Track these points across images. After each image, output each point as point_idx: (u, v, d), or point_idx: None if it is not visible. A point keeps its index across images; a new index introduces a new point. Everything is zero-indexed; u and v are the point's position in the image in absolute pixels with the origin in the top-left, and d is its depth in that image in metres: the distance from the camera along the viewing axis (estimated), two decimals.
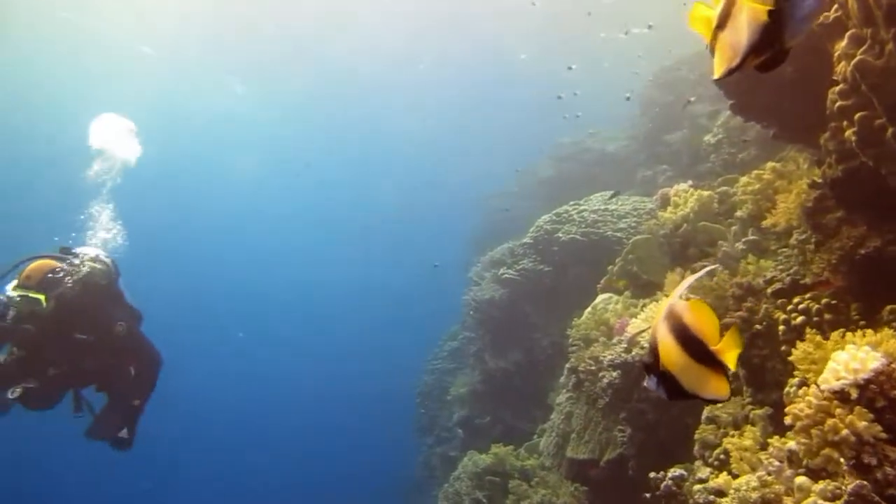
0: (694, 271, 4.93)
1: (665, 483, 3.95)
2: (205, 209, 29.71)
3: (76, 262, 4.61)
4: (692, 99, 8.70)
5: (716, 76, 1.42)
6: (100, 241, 5.77)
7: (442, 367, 12.45)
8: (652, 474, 4.05)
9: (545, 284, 8.36)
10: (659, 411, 4.61)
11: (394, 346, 23.25)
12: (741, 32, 1.31)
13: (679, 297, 1.78)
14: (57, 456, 19.35)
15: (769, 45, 1.29)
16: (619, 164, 11.24)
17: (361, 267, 29.94)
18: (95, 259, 4.68)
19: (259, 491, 22.05)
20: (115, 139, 5.82)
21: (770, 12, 1.25)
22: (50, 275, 4.32)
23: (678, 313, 1.75)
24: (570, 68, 12.13)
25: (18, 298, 4.18)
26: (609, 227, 7.75)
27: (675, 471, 3.97)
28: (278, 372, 27.49)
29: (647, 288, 5.49)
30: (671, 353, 1.76)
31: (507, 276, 8.78)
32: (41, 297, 4.20)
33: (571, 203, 8.49)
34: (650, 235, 5.79)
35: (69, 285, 4.35)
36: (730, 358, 1.72)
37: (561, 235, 8.13)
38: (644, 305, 4.87)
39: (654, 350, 1.81)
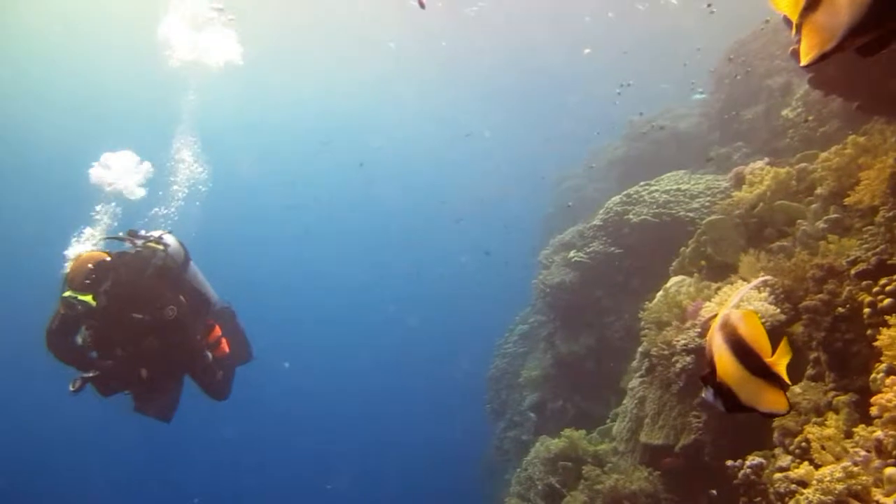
0: (770, 252, 4.75)
1: (743, 471, 3.85)
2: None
3: (137, 244, 4.82)
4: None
5: (804, 62, 1.25)
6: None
7: (513, 351, 12.42)
8: (729, 462, 3.95)
9: (616, 267, 8.22)
10: None
11: (465, 331, 23.33)
12: (840, 11, 1.15)
13: (733, 307, 1.73)
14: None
15: (877, 25, 1.12)
16: (691, 142, 10.91)
17: (432, 253, 30.08)
18: (158, 241, 4.85)
19: (333, 479, 22.51)
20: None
21: None
22: (92, 272, 4.44)
23: (733, 324, 1.70)
24: (624, 53, 11.84)
25: (72, 301, 4.36)
26: (681, 208, 7.55)
27: (754, 459, 3.86)
28: (350, 361, 27.98)
29: (721, 270, 5.32)
30: (727, 365, 1.71)
31: (576, 259, 8.67)
32: (88, 298, 4.35)
33: (642, 183, 8.30)
34: (724, 216, 5.61)
35: (119, 274, 4.51)
36: (785, 371, 1.66)
37: (632, 217, 7.97)
38: (718, 288, 4.72)
39: (710, 362, 1.76)
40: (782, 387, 1.69)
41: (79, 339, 4.54)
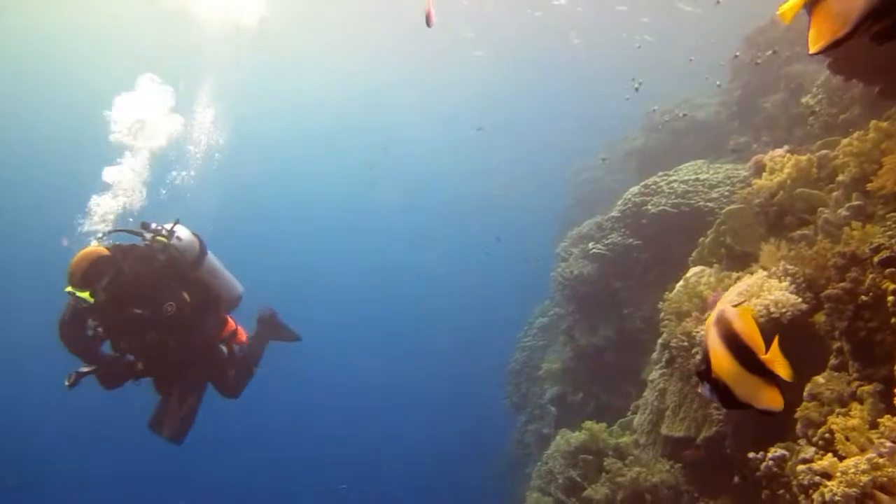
0: (791, 241, 4.68)
1: (766, 464, 3.80)
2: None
3: (147, 237, 4.81)
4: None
5: (814, 49, 1.21)
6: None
7: (532, 345, 12.39)
8: (751, 454, 3.90)
9: (635, 258, 8.16)
10: None
11: (484, 325, 23.31)
12: None
13: (729, 303, 1.72)
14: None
15: (893, 10, 1.07)
16: (710, 131, 10.80)
17: (450, 244, 29.98)
18: (170, 234, 4.83)
19: (353, 471, 22.56)
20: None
21: None
22: (90, 269, 4.45)
23: (728, 320, 1.69)
24: (638, 47, 11.74)
25: (72, 297, 4.40)
26: (700, 198, 7.47)
27: (777, 451, 3.81)
28: (365, 356, 28.00)
29: (741, 260, 5.26)
30: (722, 361, 1.70)
31: (595, 251, 8.61)
32: (86, 294, 4.37)
33: (661, 174, 8.22)
34: (744, 205, 5.53)
35: (119, 269, 4.50)
36: (781, 368, 1.64)
37: (650, 208, 7.90)
38: (738, 278, 4.66)
39: (706, 357, 1.75)
40: (778, 384, 1.68)
41: (89, 332, 4.56)
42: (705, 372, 1.80)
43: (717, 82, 10.79)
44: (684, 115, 11.25)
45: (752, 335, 1.70)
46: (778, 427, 4.05)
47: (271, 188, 31.65)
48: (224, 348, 5.16)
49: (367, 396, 25.84)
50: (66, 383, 4.43)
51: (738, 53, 9.82)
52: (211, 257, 5.15)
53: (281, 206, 32.67)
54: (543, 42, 20.05)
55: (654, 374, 5.94)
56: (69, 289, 4.40)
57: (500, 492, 12.38)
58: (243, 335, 5.48)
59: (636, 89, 9.53)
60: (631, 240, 8.23)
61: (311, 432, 24.57)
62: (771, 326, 4.02)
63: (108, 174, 5.52)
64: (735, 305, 1.75)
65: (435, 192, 30.59)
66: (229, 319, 5.34)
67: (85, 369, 4.49)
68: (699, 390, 1.89)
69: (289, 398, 23.13)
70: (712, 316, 1.77)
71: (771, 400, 1.71)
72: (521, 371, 12.42)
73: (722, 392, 1.78)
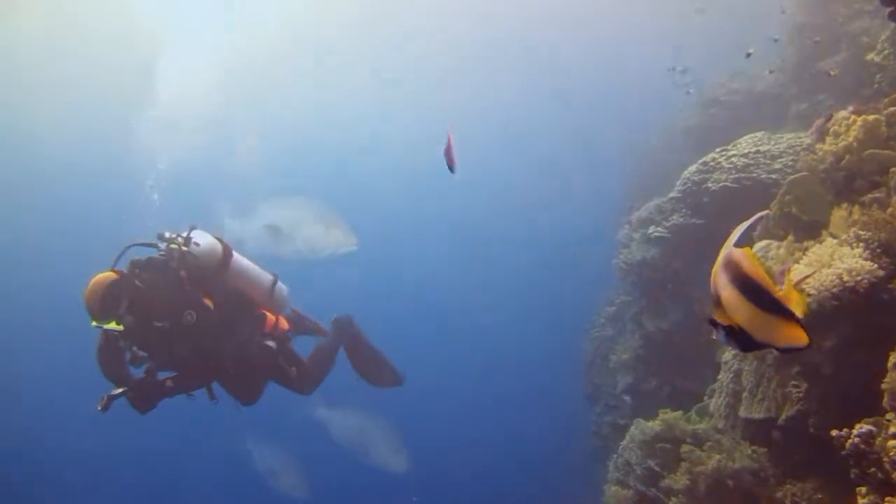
0: (863, 205, 4.43)
1: (852, 441, 3.59)
2: None
3: (161, 247, 4.68)
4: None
5: None
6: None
7: (601, 335, 12.18)
8: (835, 432, 3.70)
9: (698, 238, 7.91)
10: (836, 362, 4.20)
11: (550, 318, 23.01)
12: None
13: (733, 245, 1.64)
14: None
15: None
16: (770, 101, 10.37)
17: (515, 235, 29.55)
18: (186, 241, 4.66)
19: (424, 477, 22.40)
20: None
21: None
22: (106, 298, 4.36)
23: (736, 262, 1.61)
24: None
25: (102, 331, 4.35)
26: (762, 170, 7.18)
27: (863, 426, 3.59)
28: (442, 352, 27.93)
29: (809, 229, 5.01)
30: (737, 304, 1.61)
31: (656, 234, 8.40)
32: (112, 324, 4.30)
33: (719, 150, 7.95)
34: (809, 172, 5.28)
35: (133, 288, 4.40)
36: (796, 304, 1.54)
37: (711, 185, 7.65)
38: (807, 248, 4.44)
39: (716, 302, 1.68)
40: (798, 320, 1.58)
41: (127, 355, 4.47)
42: (719, 318, 1.72)
43: (775, 37, 10.32)
44: (732, 91, 10.86)
45: (762, 274, 1.62)
46: (864, 401, 3.84)
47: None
48: (271, 343, 4.99)
49: (434, 394, 25.74)
50: (99, 407, 4.39)
51: (776, 39, 9.46)
52: (238, 258, 4.96)
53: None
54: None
55: (728, 356, 5.74)
56: (94, 324, 4.34)
57: (581, 484, 12.20)
58: (285, 323, 5.27)
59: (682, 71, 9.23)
60: (693, 220, 7.99)
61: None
62: (846, 296, 3.81)
63: None
64: (739, 247, 1.68)
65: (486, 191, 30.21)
66: (267, 314, 5.13)
67: (116, 392, 4.43)
68: (713, 336, 1.82)
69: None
70: (718, 261, 1.70)
71: (793, 337, 1.62)
72: (592, 362, 12.22)
73: (737, 336, 1.70)
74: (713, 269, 1.75)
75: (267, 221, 5.05)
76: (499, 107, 25.70)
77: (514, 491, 18.24)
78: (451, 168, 3.48)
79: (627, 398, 9.92)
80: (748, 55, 8.54)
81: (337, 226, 3.38)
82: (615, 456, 7.65)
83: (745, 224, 1.80)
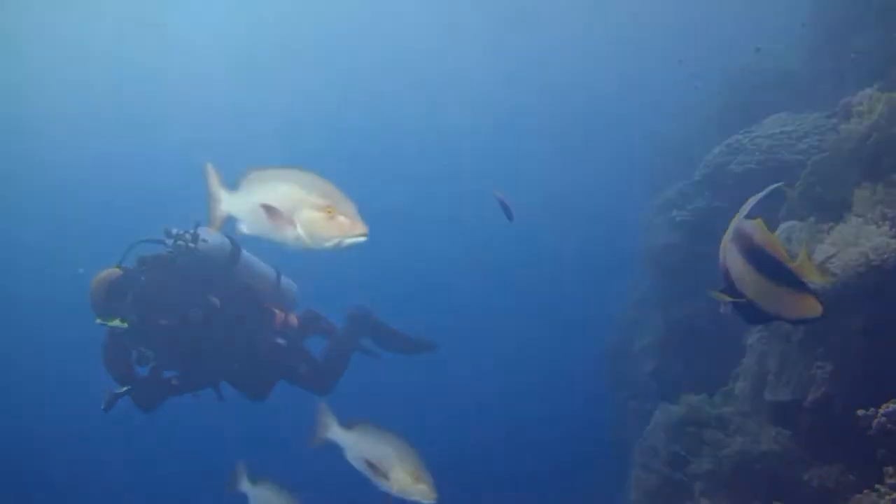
0: (889, 184, 4.37)
1: (878, 420, 3.57)
2: None
3: (168, 243, 4.54)
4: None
5: None
6: None
7: (625, 320, 12.14)
8: (860, 412, 3.67)
9: (722, 221, 7.83)
10: (862, 342, 4.16)
11: (573, 306, 22.91)
12: None
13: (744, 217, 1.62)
14: None
15: None
16: (794, 81, 10.21)
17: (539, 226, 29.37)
18: (193, 238, 4.52)
19: (451, 469, 22.29)
20: None
21: None
22: (110, 294, 4.34)
23: (748, 234, 1.59)
24: None
25: (107, 328, 4.33)
26: (787, 151, 7.10)
27: (890, 406, 3.57)
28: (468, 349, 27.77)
29: (834, 209, 4.94)
30: (747, 276, 1.61)
31: (679, 218, 8.33)
32: (116, 322, 4.26)
33: (742, 131, 7.87)
34: (833, 152, 5.21)
35: (138, 285, 4.35)
36: (813, 274, 1.53)
37: (734, 167, 7.57)
38: (832, 228, 4.39)
39: (726, 275, 1.67)
40: (812, 291, 1.57)
41: (133, 354, 4.47)
42: (728, 290, 1.72)
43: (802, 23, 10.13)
44: (754, 73, 10.69)
45: (775, 246, 1.60)
46: (892, 381, 3.81)
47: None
48: (281, 341, 4.88)
49: (461, 388, 25.76)
50: (102, 407, 4.38)
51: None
52: (246, 255, 4.83)
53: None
54: None
55: (752, 339, 5.71)
56: (98, 321, 4.32)
57: (604, 471, 12.19)
58: (294, 320, 5.13)
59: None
60: (716, 203, 7.90)
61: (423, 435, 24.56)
62: (872, 275, 3.77)
63: None
64: (750, 218, 1.66)
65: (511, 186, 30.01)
66: (276, 311, 5.00)
67: (119, 391, 4.40)
68: (721, 310, 1.82)
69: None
70: (728, 233, 1.68)
71: (806, 307, 1.60)
72: (616, 348, 12.20)
73: (747, 308, 1.69)
74: (723, 241, 1.74)
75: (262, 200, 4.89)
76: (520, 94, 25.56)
77: (539, 478, 18.29)
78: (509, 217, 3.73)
79: (653, 383, 9.88)
80: (757, 50, 8.45)
81: (344, 210, 3.16)
82: (640, 440, 7.64)
83: (758, 196, 1.78)
